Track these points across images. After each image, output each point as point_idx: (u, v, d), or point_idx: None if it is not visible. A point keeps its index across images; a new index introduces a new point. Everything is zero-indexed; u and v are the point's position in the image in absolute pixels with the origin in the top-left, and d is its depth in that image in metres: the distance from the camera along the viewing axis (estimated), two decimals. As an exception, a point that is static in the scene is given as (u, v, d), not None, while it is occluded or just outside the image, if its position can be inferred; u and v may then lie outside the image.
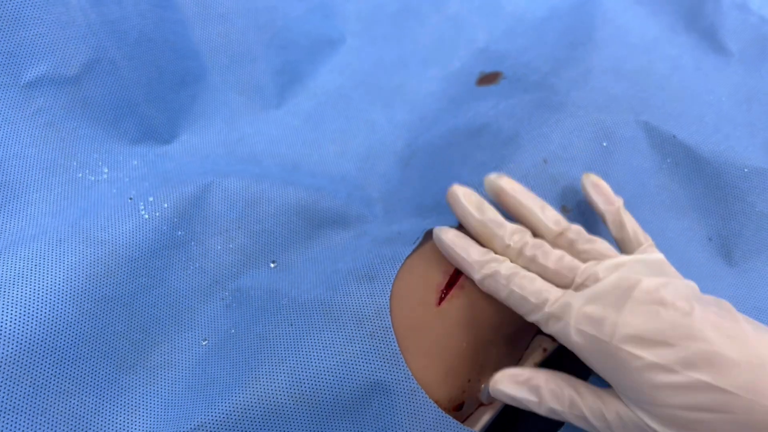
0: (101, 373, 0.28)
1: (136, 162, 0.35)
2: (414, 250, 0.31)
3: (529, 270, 0.28)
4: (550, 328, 0.26)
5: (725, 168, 0.37)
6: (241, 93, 0.40)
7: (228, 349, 0.29)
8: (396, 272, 0.30)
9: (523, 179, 0.35)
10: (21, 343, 0.25)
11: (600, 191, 0.32)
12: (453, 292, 0.30)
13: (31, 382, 0.25)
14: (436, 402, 0.27)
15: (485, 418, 0.31)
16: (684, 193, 0.37)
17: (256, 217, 0.33)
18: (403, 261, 0.30)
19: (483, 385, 0.30)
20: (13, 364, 0.25)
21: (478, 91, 0.42)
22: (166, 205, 0.32)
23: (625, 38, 0.42)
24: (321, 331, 0.28)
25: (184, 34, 0.38)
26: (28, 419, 0.25)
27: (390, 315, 0.28)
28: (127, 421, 0.28)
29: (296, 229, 0.34)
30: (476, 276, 0.28)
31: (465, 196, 0.30)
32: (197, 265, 0.32)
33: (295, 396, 0.26)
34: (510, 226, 0.29)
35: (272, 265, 0.33)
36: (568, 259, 0.28)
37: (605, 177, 0.36)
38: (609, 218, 0.31)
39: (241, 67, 0.41)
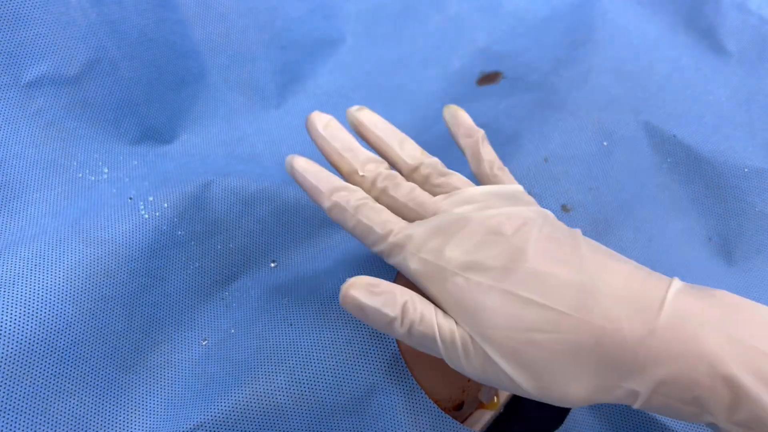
0: (101, 372, 0.28)
1: (136, 162, 0.35)
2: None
3: (379, 202, 0.27)
4: (392, 259, 0.25)
5: (725, 168, 0.37)
6: (241, 93, 0.40)
7: (228, 349, 0.29)
8: (396, 272, 0.30)
9: (524, 178, 0.35)
10: (21, 343, 0.25)
11: (460, 123, 0.30)
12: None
13: (31, 382, 0.25)
14: (435, 402, 0.27)
15: (485, 418, 0.31)
16: (684, 193, 0.37)
17: (256, 216, 0.33)
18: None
19: (483, 385, 0.30)
20: (13, 364, 0.25)
21: (479, 91, 0.42)
22: (165, 204, 0.31)
23: (626, 38, 0.42)
24: (321, 332, 0.28)
25: (185, 34, 0.38)
26: (28, 419, 0.25)
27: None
28: (127, 421, 0.28)
29: (296, 229, 0.34)
30: (325, 204, 0.27)
31: (322, 124, 0.29)
32: (197, 265, 0.32)
33: (295, 396, 0.26)
34: (365, 156, 0.28)
35: (272, 264, 0.33)
36: (418, 193, 0.27)
37: (605, 177, 0.36)
38: (468, 152, 0.29)
39: (241, 67, 0.41)
